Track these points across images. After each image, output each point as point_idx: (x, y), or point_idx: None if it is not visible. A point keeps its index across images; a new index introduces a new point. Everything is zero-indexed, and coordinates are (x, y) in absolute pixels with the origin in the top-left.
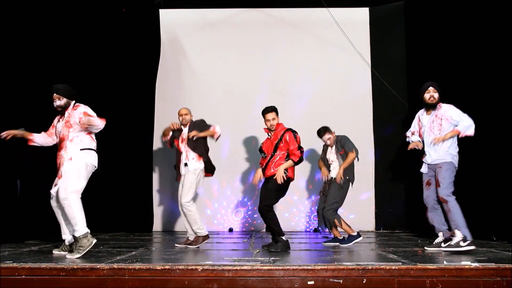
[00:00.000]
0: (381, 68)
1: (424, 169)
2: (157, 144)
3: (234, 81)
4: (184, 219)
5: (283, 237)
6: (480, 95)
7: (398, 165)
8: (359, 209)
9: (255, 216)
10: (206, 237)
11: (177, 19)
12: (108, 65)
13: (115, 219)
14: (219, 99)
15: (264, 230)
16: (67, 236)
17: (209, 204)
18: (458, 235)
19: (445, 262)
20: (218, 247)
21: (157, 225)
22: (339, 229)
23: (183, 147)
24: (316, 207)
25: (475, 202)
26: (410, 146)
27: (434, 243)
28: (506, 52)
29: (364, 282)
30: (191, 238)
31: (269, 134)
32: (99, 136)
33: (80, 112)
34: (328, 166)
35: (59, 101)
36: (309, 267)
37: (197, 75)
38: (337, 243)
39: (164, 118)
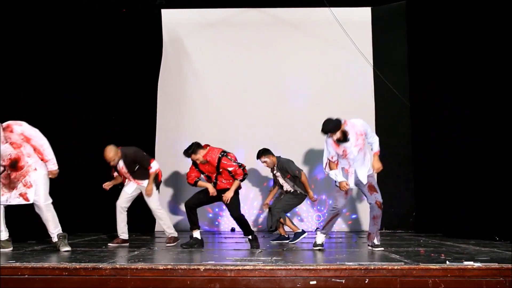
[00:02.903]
0: (383, 68)
1: (352, 183)
2: (159, 144)
3: (236, 81)
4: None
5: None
6: (482, 94)
7: (400, 165)
8: (361, 209)
9: (256, 215)
10: (177, 238)
11: (179, 19)
12: (110, 65)
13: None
14: (220, 99)
15: (267, 230)
16: (4, 234)
17: (210, 206)
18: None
19: (447, 262)
20: (220, 247)
21: (159, 225)
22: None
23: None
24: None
25: (477, 202)
26: (343, 189)
27: (318, 243)
28: (508, 51)
29: (366, 282)
30: (123, 236)
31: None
32: (101, 135)
33: (19, 133)
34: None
35: None
36: (311, 267)
37: (198, 75)
38: (285, 241)
39: (166, 117)
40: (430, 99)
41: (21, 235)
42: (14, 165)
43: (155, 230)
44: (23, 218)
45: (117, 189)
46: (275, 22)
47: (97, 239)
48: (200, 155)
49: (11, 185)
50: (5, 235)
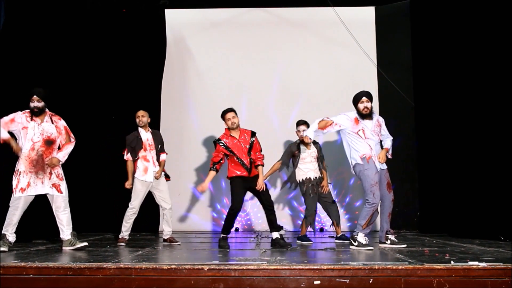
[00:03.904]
0: (387, 67)
1: (379, 165)
2: None
3: (240, 81)
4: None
5: None
6: (487, 94)
7: (405, 165)
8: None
9: (259, 215)
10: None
11: (183, 19)
12: (114, 65)
13: (122, 219)
14: (224, 99)
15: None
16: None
17: (215, 205)
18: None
19: (452, 262)
20: None
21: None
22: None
23: (150, 154)
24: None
25: (482, 202)
26: (306, 140)
27: (363, 243)
28: None
29: (370, 282)
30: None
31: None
32: (103, 135)
33: (64, 125)
34: (296, 164)
35: (38, 103)
36: (316, 267)
37: (202, 75)
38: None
39: (169, 117)
40: (434, 98)
41: (26, 235)
42: (50, 143)
43: (160, 229)
44: (26, 218)
45: (122, 189)
46: (279, 22)
47: (101, 239)
48: (238, 119)
49: (39, 173)
50: (12, 238)
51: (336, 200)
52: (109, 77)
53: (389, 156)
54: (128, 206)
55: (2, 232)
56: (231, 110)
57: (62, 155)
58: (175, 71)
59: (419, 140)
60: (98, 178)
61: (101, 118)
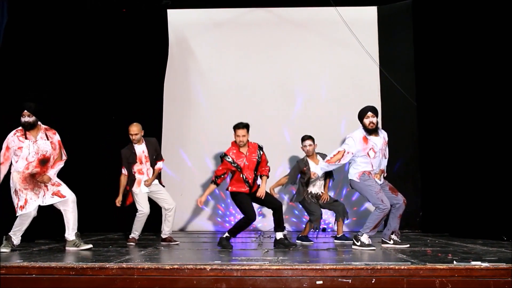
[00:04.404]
0: (389, 67)
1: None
2: (165, 144)
3: (242, 81)
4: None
5: None
6: (489, 93)
7: (407, 165)
8: (367, 209)
9: (259, 212)
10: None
11: (185, 19)
12: (117, 66)
13: (124, 219)
14: (226, 99)
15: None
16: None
17: (219, 206)
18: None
19: (454, 262)
20: None
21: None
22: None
23: (145, 166)
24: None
25: (485, 202)
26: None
27: (366, 243)
28: None
29: (373, 282)
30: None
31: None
32: (107, 136)
33: (58, 140)
34: (307, 182)
35: (29, 118)
36: (318, 267)
37: (204, 75)
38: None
39: (172, 118)
40: (436, 98)
41: (28, 235)
42: (44, 162)
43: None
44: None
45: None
46: (281, 22)
47: (103, 239)
48: (248, 137)
49: (35, 188)
50: (17, 241)
51: (332, 195)
52: (111, 78)
53: (384, 175)
54: (132, 206)
55: (9, 234)
56: (243, 127)
57: (53, 173)
58: (177, 71)
59: (421, 139)
60: (99, 178)
61: (103, 119)
